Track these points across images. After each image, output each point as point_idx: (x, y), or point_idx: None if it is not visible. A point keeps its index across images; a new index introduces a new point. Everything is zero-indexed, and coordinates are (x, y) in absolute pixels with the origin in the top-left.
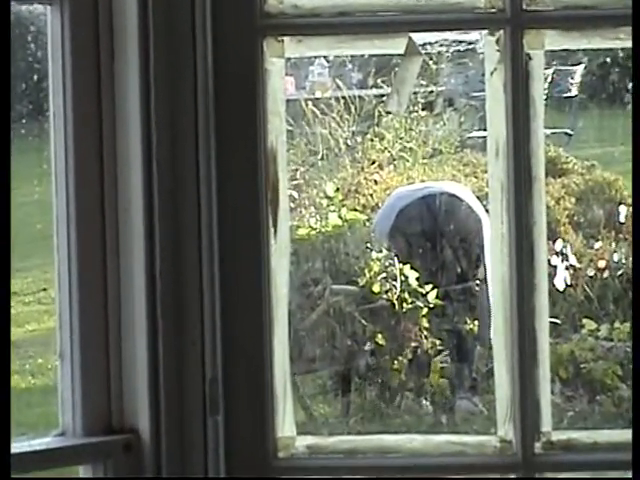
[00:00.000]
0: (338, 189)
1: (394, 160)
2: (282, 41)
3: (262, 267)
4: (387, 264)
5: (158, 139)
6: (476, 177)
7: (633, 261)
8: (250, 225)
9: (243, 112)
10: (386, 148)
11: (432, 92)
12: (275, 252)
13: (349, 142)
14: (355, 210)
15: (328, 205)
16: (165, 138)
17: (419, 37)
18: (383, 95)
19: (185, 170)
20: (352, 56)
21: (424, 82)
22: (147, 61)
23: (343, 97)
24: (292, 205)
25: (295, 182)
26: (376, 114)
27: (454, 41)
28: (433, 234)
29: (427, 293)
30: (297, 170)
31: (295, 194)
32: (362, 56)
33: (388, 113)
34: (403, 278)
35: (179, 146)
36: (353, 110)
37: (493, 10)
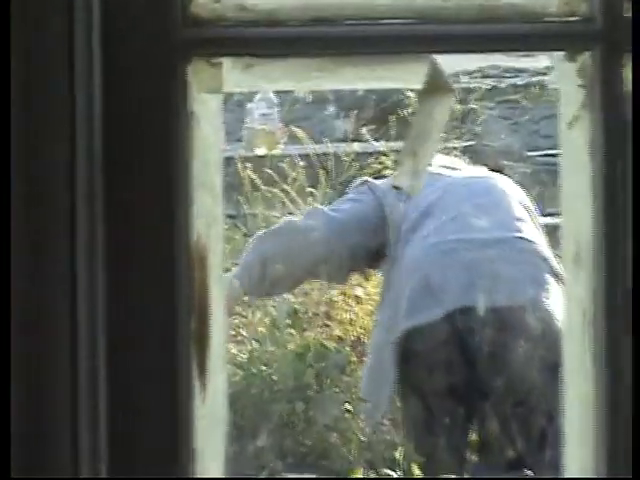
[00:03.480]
0: (296, 311)
1: None
2: (219, 65)
3: (180, 448)
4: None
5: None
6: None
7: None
8: (159, 377)
9: (150, 185)
10: None
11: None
12: (202, 420)
13: None
14: (325, 347)
15: (281, 337)
16: (22, 249)
17: (448, 62)
18: (379, 154)
19: (52, 283)
20: (333, 91)
21: (461, 131)
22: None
23: (306, 155)
24: (233, 335)
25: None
26: None
27: (507, 70)
28: (465, 391)
29: None
30: None
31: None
32: (353, 92)
33: (396, 189)
34: (406, 465)
35: (44, 250)
36: (323, 180)
37: (574, 18)
